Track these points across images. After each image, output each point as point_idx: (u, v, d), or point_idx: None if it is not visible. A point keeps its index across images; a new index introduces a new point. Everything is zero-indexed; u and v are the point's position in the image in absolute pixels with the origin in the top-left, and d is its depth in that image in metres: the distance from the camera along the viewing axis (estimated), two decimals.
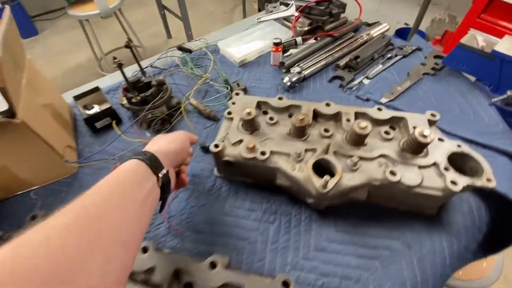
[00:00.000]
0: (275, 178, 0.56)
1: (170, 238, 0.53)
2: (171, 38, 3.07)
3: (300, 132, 0.55)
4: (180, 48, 0.86)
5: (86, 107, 0.73)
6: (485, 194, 0.56)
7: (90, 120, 0.69)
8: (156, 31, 3.14)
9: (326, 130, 0.56)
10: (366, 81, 0.83)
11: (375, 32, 0.97)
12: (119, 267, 0.25)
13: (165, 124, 0.71)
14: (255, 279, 0.38)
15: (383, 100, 0.75)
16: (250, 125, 0.56)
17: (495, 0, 1.32)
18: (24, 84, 0.55)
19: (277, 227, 0.54)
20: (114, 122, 0.69)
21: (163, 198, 0.38)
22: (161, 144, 0.41)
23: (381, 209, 0.54)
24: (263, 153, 0.53)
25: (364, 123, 0.50)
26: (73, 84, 0.86)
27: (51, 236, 0.21)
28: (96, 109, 0.71)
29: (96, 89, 0.75)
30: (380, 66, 0.86)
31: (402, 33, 2.35)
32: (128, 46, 0.62)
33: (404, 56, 0.89)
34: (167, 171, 0.37)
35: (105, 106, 0.72)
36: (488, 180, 0.47)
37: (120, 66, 0.59)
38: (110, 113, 0.71)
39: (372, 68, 0.86)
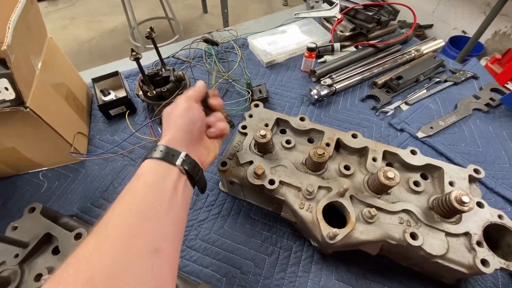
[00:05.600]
0: (280, 208, 0.51)
1: None
2: (207, 13, 2.99)
3: (317, 166, 0.49)
4: (206, 41, 0.81)
5: (103, 92, 0.71)
6: None
7: (105, 107, 0.67)
8: (192, 2, 3.06)
9: (347, 168, 0.50)
10: (404, 107, 0.73)
11: (426, 48, 0.85)
12: (158, 272, 0.26)
13: None
14: None
15: (420, 135, 0.66)
16: (263, 147, 0.52)
17: None
18: (39, 66, 0.53)
19: (273, 260, 0.50)
20: (127, 113, 0.67)
21: (197, 180, 0.36)
22: (170, 127, 0.37)
23: (392, 265, 0.49)
24: (271, 182, 0.48)
25: (392, 173, 0.43)
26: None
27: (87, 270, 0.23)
28: (112, 96, 0.69)
29: (115, 74, 0.73)
30: (424, 91, 0.76)
31: (457, 42, 2.10)
32: (149, 37, 0.57)
33: (455, 84, 0.77)
34: (186, 155, 0.34)
35: (121, 94, 0.70)
36: None
37: (137, 60, 0.55)
38: (126, 102, 0.69)
39: (415, 92, 0.76)
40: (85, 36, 2.79)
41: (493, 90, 0.74)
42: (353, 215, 0.44)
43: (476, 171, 0.49)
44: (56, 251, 0.44)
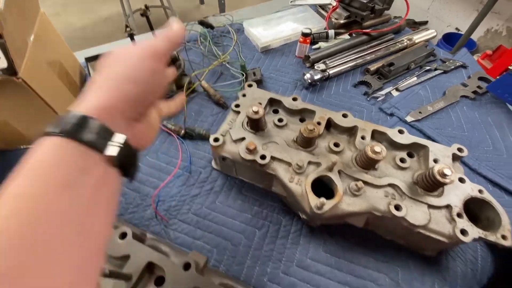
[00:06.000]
0: (271, 184, 0.53)
1: (154, 222, 0.52)
2: (203, 4, 2.96)
3: (307, 142, 0.50)
4: (202, 23, 0.81)
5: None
6: (496, 246, 0.51)
7: None
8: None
9: (336, 145, 0.51)
10: (395, 93, 0.75)
11: (419, 38, 0.87)
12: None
13: None
14: None
15: (409, 119, 0.68)
16: (256, 124, 0.53)
17: None
18: (32, 40, 0.52)
19: (263, 233, 0.51)
20: None
21: (128, 171, 0.24)
22: (110, 87, 0.23)
23: (377, 238, 0.50)
24: (263, 157, 0.49)
25: (378, 147, 0.45)
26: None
27: None
28: None
29: None
30: (415, 78, 0.78)
31: (450, 39, 2.13)
32: (144, 14, 0.57)
33: (445, 72, 0.79)
34: (125, 141, 0.22)
35: None
36: (504, 237, 0.42)
37: (131, 36, 0.55)
38: None
39: (405, 79, 0.78)
40: (78, 24, 2.74)
41: (481, 78, 0.76)
42: (341, 188, 0.46)
43: (459, 149, 0.51)
44: (159, 282, 0.38)
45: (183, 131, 0.63)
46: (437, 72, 0.79)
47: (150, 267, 0.40)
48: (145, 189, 0.56)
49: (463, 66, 0.81)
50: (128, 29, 0.54)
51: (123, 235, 0.41)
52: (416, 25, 2.48)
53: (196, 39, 0.83)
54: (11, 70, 0.45)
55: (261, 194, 0.56)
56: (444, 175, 0.42)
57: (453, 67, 0.79)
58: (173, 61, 0.67)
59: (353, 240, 0.51)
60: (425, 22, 2.55)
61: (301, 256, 0.49)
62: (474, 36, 2.19)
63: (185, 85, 0.66)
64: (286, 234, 0.51)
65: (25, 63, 0.48)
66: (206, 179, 0.58)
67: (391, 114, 0.70)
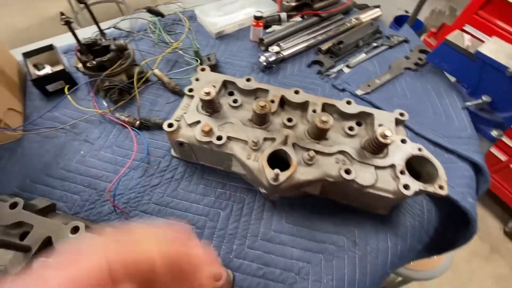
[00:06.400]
0: (231, 164, 0.53)
1: (114, 216, 0.51)
2: None
3: (261, 119, 0.52)
4: (150, 11, 0.78)
5: (36, 66, 0.65)
6: (437, 198, 0.56)
7: (40, 82, 0.63)
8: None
9: (289, 120, 0.53)
10: (346, 70, 0.79)
11: (365, 17, 0.91)
12: None
13: (123, 94, 0.65)
14: None
15: (359, 92, 0.72)
16: (210, 106, 0.53)
17: None
18: None
19: (227, 213, 0.52)
20: (67, 86, 0.63)
21: None
22: None
23: (334, 205, 0.54)
24: (219, 138, 0.50)
25: (325, 117, 0.47)
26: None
27: None
28: (48, 70, 0.64)
29: (50, 48, 0.68)
30: (364, 55, 0.82)
31: (401, 21, 2.26)
32: (67, 23, 0.53)
33: (390, 47, 0.85)
34: None
35: (58, 68, 0.65)
36: (441, 187, 0.46)
37: (68, 24, 0.52)
38: (63, 76, 0.64)
39: (355, 56, 0.82)
40: (21, 25, 2.50)
41: (421, 51, 0.83)
42: (295, 159, 0.47)
43: (401, 114, 0.55)
44: None
45: (138, 122, 0.61)
46: (383, 47, 0.84)
47: None
48: (101, 184, 0.54)
49: (406, 41, 0.86)
50: (63, 16, 0.51)
51: (75, 229, 0.39)
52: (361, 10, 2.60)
53: (145, 28, 0.80)
54: None
55: (223, 177, 0.57)
56: (385, 136, 0.46)
57: (396, 42, 0.85)
58: (121, 50, 0.64)
59: (312, 209, 0.53)
60: (378, 6, 2.68)
61: (265, 230, 0.51)
62: (422, 17, 2.35)
63: (135, 75, 0.64)
64: (249, 211, 0.53)
65: None
66: (166, 168, 0.57)
67: (343, 90, 0.73)
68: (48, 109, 0.63)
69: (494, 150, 1.53)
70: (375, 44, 0.85)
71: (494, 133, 0.68)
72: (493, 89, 0.66)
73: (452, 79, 0.77)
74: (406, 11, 2.41)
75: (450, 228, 0.59)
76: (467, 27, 1.39)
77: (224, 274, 0.35)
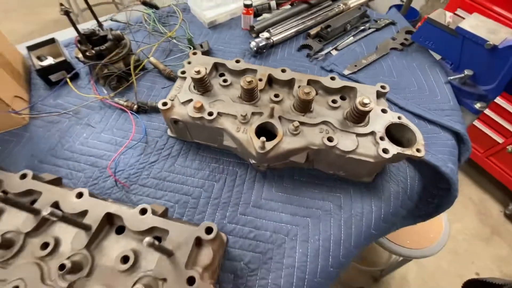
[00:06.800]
0: (222, 139, 0.57)
1: (116, 190, 0.55)
2: None
3: (249, 95, 0.55)
4: (145, 3, 0.82)
5: (40, 58, 0.70)
6: (420, 165, 0.59)
7: (43, 72, 0.67)
8: None
9: (276, 96, 0.56)
10: (334, 52, 0.82)
11: (353, 2, 0.94)
12: None
13: (122, 81, 0.69)
14: (181, 226, 0.40)
15: (346, 72, 0.75)
16: (201, 85, 0.56)
17: None
18: None
19: (221, 185, 0.56)
20: (68, 76, 0.68)
21: None
22: None
23: (321, 175, 0.57)
24: (210, 114, 0.53)
25: (308, 89, 0.50)
26: None
27: None
28: (50, 61, 0.69)
29: (52, 41, 0.72)
30: (351, 38, 0.85)
31: (398, 10, 2.28)
32: (66, 13, 0.57)
33: (377, 30, 0.87)
34: None
35: (60, 59, 0.69)
36: (418, 150, 0.49)
37: (67, 14, 0.56)
38: (65, 66, 0.69)
39: (343, 39, 0.85)
40: (23, 30, 2.57)
41: (408, 32, 0.85)
42: (281, 130, 0.51)
43: (382, 87, 0.58)
44: (120, 231, 0.41)
45: (135, 106, 0.65)
46: (370, 30, 0.87)
47: (110, 219, 0.42)
48: (103, 163, 0.58)
49: (392, 23, 0.89)
50: (62, 6, 0.55)
51: (79, 195, 0.43)
52: None
53: (141, 20, 0.84)
54: None
55: (216, 153, 0.60)
56: (364, 104, 0.49)
57: (383, 24, 0.88)
58: (118, 40, 0.68)
59: (300, 179, 0.57)
60: None
61: (256, 198, 0.54)
62: (417, 6, 2.36)
63: (131, 62, 0.67)
64: (241, 182, 0.56)
65: None
66: (163, 147, 0.61)
67: (331, 71, 0.76)
68: (51, 97, 0.68)
69: (490, 133, 1.55)
70: (362, 28, 0.88)
71: (477, 105, 0.70)
72: (474, 63, 0.69)
73: (437, 56, 0.79)
74: (402, 1, 2.42)
75: (433, 194, 0.62)
76: (459, 11, 1.40)
77: (215, 227, 0.38)
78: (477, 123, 1.59)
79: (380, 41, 0.83)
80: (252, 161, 0.54)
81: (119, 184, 0.55)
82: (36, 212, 0.40)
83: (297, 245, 0.48)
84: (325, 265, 0.47)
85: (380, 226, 0.53)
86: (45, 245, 0.38)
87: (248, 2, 0.81)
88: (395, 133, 0.54)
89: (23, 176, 0.45)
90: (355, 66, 0.76)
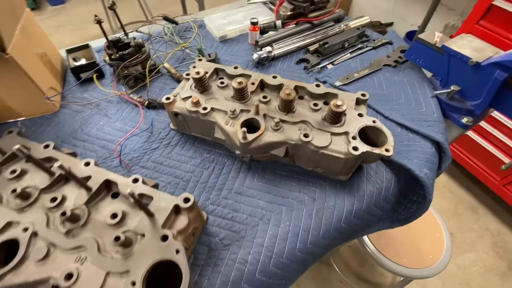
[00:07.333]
0: (214, 132, 0.65)
1: (119, 170, 0.63)
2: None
3: (240, 95, 0.63)
4: (166, 19, 0.95)
5: (75, 59, 0.84)
6: (397, 169, 0.62)
7: (76, 70, 0.80)
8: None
9: (265, 97, 0.64)
10: (329, 66, 0.89)
11: (354, 23, 1.02)
12: None
13: (138, 81, 0.81)
14: (164, 195, 0.47)
15: (337, 83, 0.81)
16: (200, 85, 0.65)
17: (494, 6, 1.31)
18: (18, 29, 0.66)
19: (209, 172, 0.63)
20: (95, 75, 0.80)
21: None
22: None
23: (301, 171, 0.62)
24: (204, 108, 0.62)
25: (289, 90, 0.57)
26: None
27: None
28: (83, 62, 0.82)
29: (86, 46, 0.86)
30: (348, 54, 0.92)
31: (412, 36, 2.33)
32: (111, 8, 0.71)
33: (374, 48, 0.94)
34: None
35: (91, 61, 0.83)
36: (387, 150, 0.53)
37: (99, 23, 0.69)
38: (94, 67, 0.82)
39: (340, 55, 0.92)
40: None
41: (402, 51, 0.90)
42: (263, 125, 0.58)
43: (363, 95, 0.63)
44: (114, 196, 0.49)
45: (146, 102, 0.75)
46: (367, 48, 0.93)
47: (108, 186, 0.50)
48: (112, 146, 0.67)
49: (389, 43, 0.95)
50: (96, 17, 0.68)
51: (87, 164, 0.52)
52: (382, 26, 2.69)
53: (161, 33, 0.97)
54: (1, 46, 0.57)
55: (209, 146, 0.68)
56: (337, 106, 0.55)
57: (379, 44, 0.94)
58: (139, 47, 0.80)
59: (281, 173, 0.62)
60: (391, 24, 2.77)
61: (238, 185, 0.60)
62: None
63: (147, 66, 0.79)
64: (228, 171, 0.63)
65: (13, 44, 0.61)
66: (164, 137, 0.70)
67: (324, 82, 0.83)
68: (79, 91, 0.80)
69: (507, 160, 1.50)
70: (360, 46, 0.94)
71: (464, 120, 0.73)
72: (461, 79, 0.72)
73: (429, 74, 0.83)
74: (419, 27, 2.46)
75: (412, 200, 0.64)
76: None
77: (192, 198, 0.45)
78: (494, 150, 1.54)
79: (375, 58, 0.89)
80: (238, 152, 0.61)
81: (122, 164, 0.64)
82: (51, 174, 0.50)
83: (268, 228, 0.53)
84: (292, 248, 0.51)
85: (351, 221, 0.57)
86: (53, 199, 0.47)
87: (255, 20, 0.92)
88: (371, 136, 0.59)
89: (46, 146, 0.55)
90: (347, 78, 0.82)
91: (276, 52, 0.91)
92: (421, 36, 0.78)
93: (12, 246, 0.43)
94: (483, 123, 1.54)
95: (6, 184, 0.50)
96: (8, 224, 0.44)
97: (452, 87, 0.73)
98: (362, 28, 0.98)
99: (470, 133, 1.64)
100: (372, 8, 2.95)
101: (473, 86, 0.70)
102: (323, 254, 0.57)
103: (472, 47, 0.71)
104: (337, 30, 0.99)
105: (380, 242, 1.08)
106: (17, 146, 0.44)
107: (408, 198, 0.64)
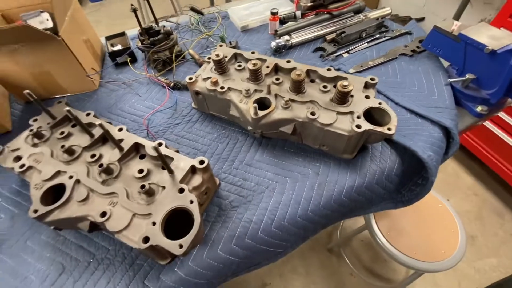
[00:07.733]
0: (229, 110, 0.71)
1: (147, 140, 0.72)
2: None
3: (254, 76, 0.68)
4: (193, 9, 1.03)
5: (112, 45, 0.94)
6: (402, 150, 0.64)
7: (113, 55, 0.91)
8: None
9: (277, 79, 0.69)
10: (345, 55, 0.91)
11: (374, 14, 1.03)
12: None
13: (166, 65, 0.89)
14: (183, 157, 0.54)
15: (351, 71, 0.83)
16: (219, 67, 0.72)
17: None
18: (68, 15, 0.77)
19: (224, 145, 0.69)
20: (129, 59, 0.90)
21: None
22: None
23: (308, 149, 0.66)
24: (222, 88, 0.68)
25: (299, 71, 0.62)
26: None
27: None
28: (119, 47, 0.92)
29: (122, 34, 0.97)
30: (365, 44, 0.94)
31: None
32: (134, 11, 0.79)
33: (392, 38, 0.94)
34: None
35: (126, 47, 0.93)
36: (389, 129, 0.56)
37: (135, 12, 0.78)
38: (128, 52, 0.92)
39: (357, 45, 0.94)
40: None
41: (420, 41, 0.90)
42: (274, 103, 0.63)
43: (372, 79, 0.66)
44: (142, 157, 0.57)
45: (172, 84, 0.84)
46: (384, 38, 0.94)
47: (137, 149, 0.59)
48: (141, 120, 0.76)
49: (409, 33, 0.95)
50: (132, 6, 0.77)
51: (120, 129, 0.60)
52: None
53: (188, 23, 1.06)
54: (54, 29, 0.68)
55: (225, 123, 0.74)
56: (344, 86, 0.58)
57: (398, 34, 0.94)
58: (168, 34, 0.89)
59: (289, 150, 0.67)
60: (422, 19, 2.66)
61: (249, 158, 0.66)
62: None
63: (174, 52, 0.87)
64: (240, 146, 0.69)
65: (63, 29, 0.72)
66: (187, 114, 0.77)
67: (338, 69, 0.86)
68: (115, 73, 0.91)
69: None
70: (377, 36, 0.96)
71: (479, 108, 0.72)
72: (477, 67, 0.72)
73: (446, 63, 0.83)
74: None
75: (417, 182, 0.66)
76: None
77: (206, 160, 0.52)
78: None
79: (392, 48, 0.90)
80: (249, 128, 0.67)
81: (149, 135, 0.72)
82: (92, 135, 0.59)
83: (273, 195, 0.59)
84: (293, 213, 0.56)
85: (352, 196, 0.60)
86: (93, 156, 0.56)
87: (275, 11, 0.97)
88: (377, 118, 0.61)
89: (88, 114, 0.64)
90: (361, 66, 0.84)
91: (293, 40, 0.95)
92: (438, 24, 0.78)
93: (59, 190, 0.52)
94: None
95: (56, 142, 0.60)
96: (57, 173, 0.54)
97: (467, 75, 0.73)
98: (382, 19, 0.99)
99: (501, 133, 1.55)
100: (402, 2, 2.85)
101: (489, 74, 0.70)
102: (324, 224, 0.61)
103: (489, 35, 0.70)
104: (356, 20, 1.01)
105: (390, 233, 1.09)
106: (67, 108, 0.54)
107: (413, 181, 0.66)
